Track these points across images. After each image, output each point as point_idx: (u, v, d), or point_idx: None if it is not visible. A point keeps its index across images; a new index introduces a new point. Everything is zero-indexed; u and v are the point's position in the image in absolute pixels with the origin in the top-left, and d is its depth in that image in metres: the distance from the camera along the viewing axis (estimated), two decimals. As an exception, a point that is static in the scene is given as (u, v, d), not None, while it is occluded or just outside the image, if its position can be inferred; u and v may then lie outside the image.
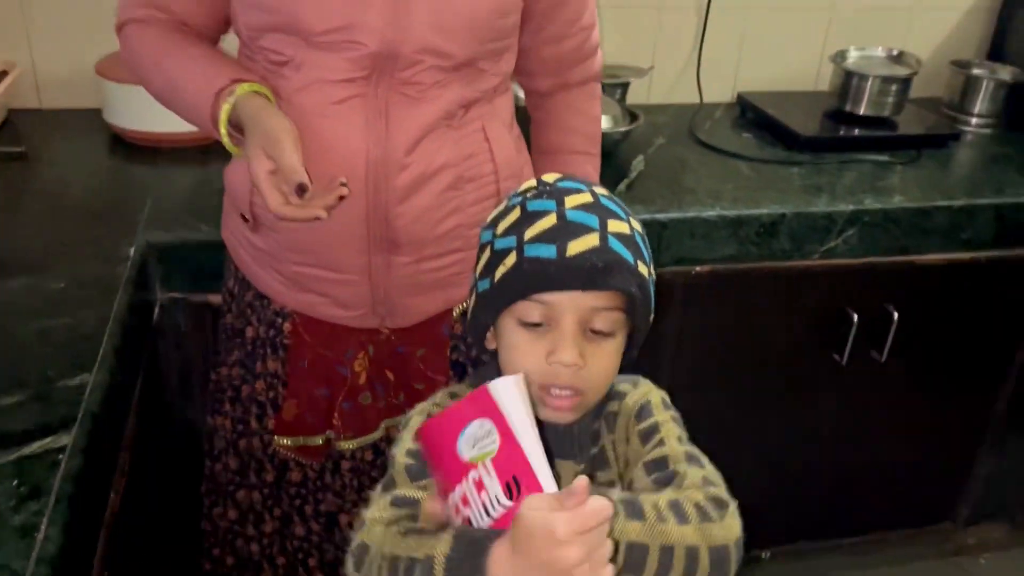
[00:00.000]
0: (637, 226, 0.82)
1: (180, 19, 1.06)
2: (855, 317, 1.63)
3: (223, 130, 0.98)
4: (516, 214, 0.80)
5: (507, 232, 0.79)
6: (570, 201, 0.78)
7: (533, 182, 0.83)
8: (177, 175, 1.54)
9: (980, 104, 1.99)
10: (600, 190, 0.82)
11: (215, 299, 1.35)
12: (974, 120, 1.99)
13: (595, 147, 1.26)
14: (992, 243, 1.66)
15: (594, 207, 0.79)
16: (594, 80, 1.25)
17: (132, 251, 1.26)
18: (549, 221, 0.77)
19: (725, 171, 1.70)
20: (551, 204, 0.78)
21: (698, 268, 1.55)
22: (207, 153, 1.60)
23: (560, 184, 0.81)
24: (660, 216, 1.50)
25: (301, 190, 0.92)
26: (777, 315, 1.65)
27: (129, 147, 1.62)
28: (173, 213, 1.38)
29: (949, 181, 1.71)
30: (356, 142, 1.00)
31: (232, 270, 1.20)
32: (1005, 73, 2.01)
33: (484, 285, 0.80)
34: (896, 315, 1.64)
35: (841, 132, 1.87)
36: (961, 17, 2.14)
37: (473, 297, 0.84)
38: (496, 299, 0.79)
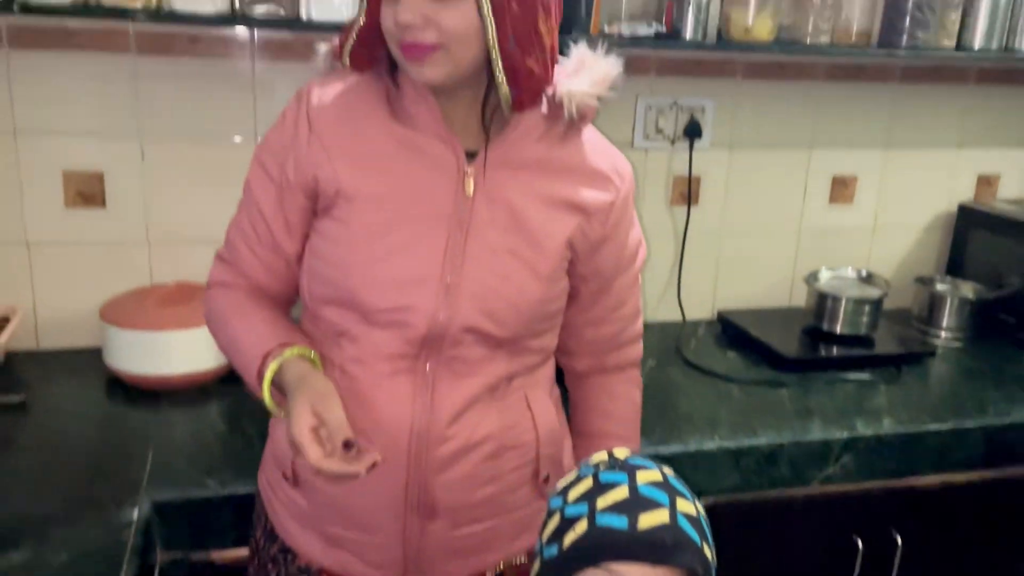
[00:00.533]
0: (700, 509, 0.86)
1: (257, 285, 1.12)
2: (860, 544, 1.62)
3: (266, 388, 1.02)
4: (588, 484, 0.84)
5: (579, 500, 0.83)
6: (641, 477, 0.83)
7: (604, 455, 0.88)
8: (179, 419, 1.53)
9: (947, 319, 2.10)
10: (667, 470, 0.87)
11: (218, 556, 1.31)
12: (943, 334, 2.09)
13: (633, 431, 1.26)
14: (983, 463, 1.69)
15: (664, 486, 0.84)
16: (632, 367, 1.26)
17: (136, 514, 1.23)
18: (621, 493, 0.81)
19: (717, 394, 1.74)
20: (623, 477, 0.83)
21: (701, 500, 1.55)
22: (207, 395, 1.60)
23: (631, 461, 0.87)
24: (663, 450, 1.52)
25: (348, 445, 0.95)
26: (784, 545, 1.64)
27: (129, 389, 1.62)
28: (176, 466, 1.37)
29: (933, 401, 1.77)
30: (402, 414, 1.04)
31: (262, 520, 1.18)
32: (967, 290, 2.13)
33: (551, 551, 0.83)
34: (900, 540, 1.64)
35: (822, 352, 1.95)
36: (920, 235, 2.30)
37: (538, 562, 0.86)
38: (564, 565, 0.81)
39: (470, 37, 0.94)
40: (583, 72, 1.05)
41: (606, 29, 1.71)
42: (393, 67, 1.04)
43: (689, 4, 1.71)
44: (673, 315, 2.12)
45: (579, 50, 1.07)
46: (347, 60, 1.04)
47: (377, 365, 1.04)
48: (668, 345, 1.98)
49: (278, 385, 1.02)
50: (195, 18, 1.54)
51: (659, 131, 2.00)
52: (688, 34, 1.74)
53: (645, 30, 1.72)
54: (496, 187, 1.03)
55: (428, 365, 1.05)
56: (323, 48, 1.08)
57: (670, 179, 2.05)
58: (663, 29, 1.75)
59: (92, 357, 1.69)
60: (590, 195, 1.07)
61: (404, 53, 0.95)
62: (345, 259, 1.03)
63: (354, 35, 1.02)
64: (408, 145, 1.03)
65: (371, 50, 1.03)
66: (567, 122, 1.05)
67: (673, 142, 2.01)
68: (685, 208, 2.06)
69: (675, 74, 1.97)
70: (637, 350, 1.25)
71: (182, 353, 1.62)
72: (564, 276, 1.10)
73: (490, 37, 0.94)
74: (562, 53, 1.06)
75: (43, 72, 1.64)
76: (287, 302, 1.16)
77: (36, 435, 1.45)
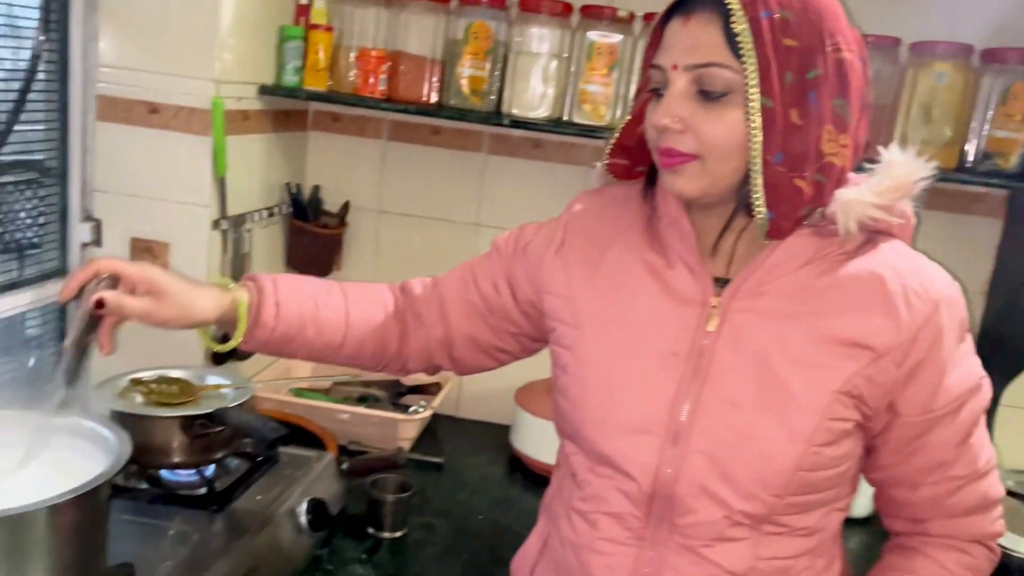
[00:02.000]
0: None
1: (436, 294, 1.10)
2: None
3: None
4: None
5: None
6: None
7: None
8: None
9: None
10: None
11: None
12: None
13: None
14: None
15: None
16: (970, 543, 0.95)
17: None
18: None
19: None
20: None
21: None
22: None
23: None
24: None
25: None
26: None
27: (527, 472, 1.71)
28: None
29: None
30: None
31: None
32: None
33: None
34: None
35: None
36: None
37: None
38: None
39: (732, 149, 0.81)
40: (874, 179, 0.85)
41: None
42: (651, 182, 0.95)
43: None
44: None
45: (888, 153, 0.86)
46: (605, 160, 0.97)
47: (600, 522, 0.92)
48: None
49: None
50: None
51: None
52: None
53: None
54: (744, 325, 0.87)
55: (656, 536, 0.90)
56: (599, 164, 0.99)
57: None
58: None
59: (500, 433, 1.83)
60: (877, 327, 0.84)
61: (659, 159, 0.86)
62: (573, 390, 0.94)
63: (616, 133, 0.95)
64: (655, 272, 0.92)
65: (634, 158, 0.96)
66: (851, 241, 0.86)
67: None
68: None
69: None
70: (982, 524, 0.94)
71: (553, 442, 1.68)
72: (843, 438, 0.87)
73: (754, 148, 0.80)
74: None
75: (508, 175, 1.85)
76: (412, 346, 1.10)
77: (448, 498, 1.59)
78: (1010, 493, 1.67)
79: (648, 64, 0.88)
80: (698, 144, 0.83)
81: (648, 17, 1.64)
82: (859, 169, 0.88)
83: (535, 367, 1.85)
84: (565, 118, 1.68)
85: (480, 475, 1.71)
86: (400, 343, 1.09)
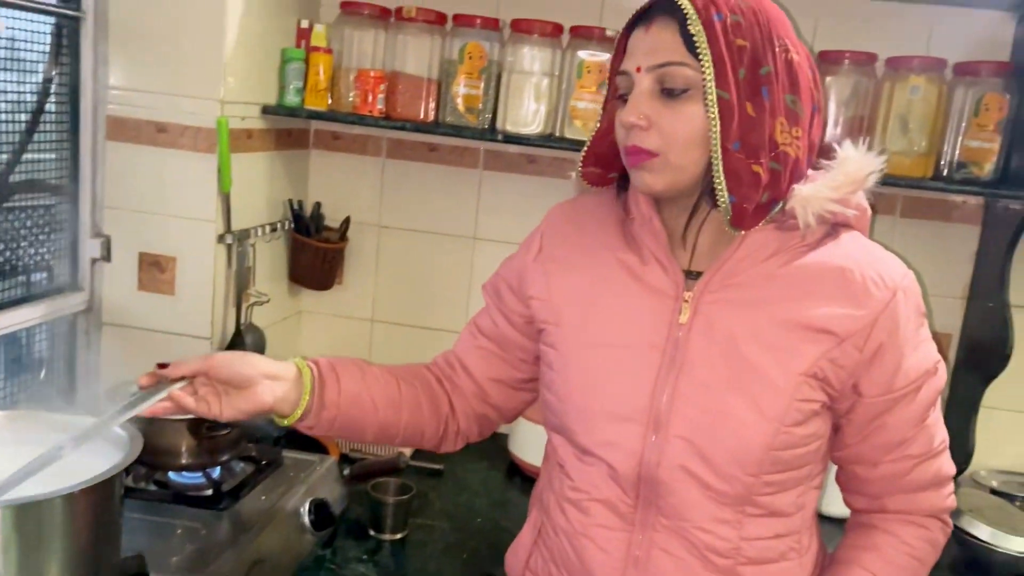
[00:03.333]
0: None
1: (461, 364, 1.13)
2: None
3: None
4: None
5: None
6: None
7: None
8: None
9: None
10: None
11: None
12: None
13: None
14: None
15: None
16: (926, 517, 1.01)
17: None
18: None
19: None
20: None
21: None
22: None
23: None
24: None
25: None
26: None
27: (524, 477, 1.76)
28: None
29: None
30: (615, 575, 0.97)
31: None
32: None
33: None
34: None
35: None
36: None
37: None
38: None
39: (693, 142, 0.88)
40: (829, 174, 0.92)
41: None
42: (623, 187, 1.01)
43: None
44: None
45: (843, 150, 0.93)
46: (578, 170, 1.02)
47: (589, 510, 0.98)
48: (1117, 559, 1.63)
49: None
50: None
51: None
52: None
53: None
54: (715, 315, 0.93)
55: (645, 519, 0.95)
56: (574, 174, 1.05)
57: None
58: None
59: (499, 440, 1.87)
60: (839, 314, 0.90)
61: (627, 158, 0.92)
62: (558, 386, 1.00)
63: (588, 140, 1.00)
64: (630, 270, 0.98)
65: (606, 166, 1.01)
66: (812, 233, 0.92)
67: None
68: None
69: None
70: (935, 499, 1.00)
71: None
72: (811, 418, 0.92)
73: (714, 137, 0.86)
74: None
75: (504, 190, 1.92)
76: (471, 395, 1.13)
77: (449, 501, 1.63)
78: (993, 491, 1.71)
79: (615, 73, 0.95)
80: (661, 140, 0.89)
81: (635, 36, 1.70)
82: (817, 168, 0.95)
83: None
84: (557, 134, 1.74)
85: (479, 479, 1.75)
86: (450, 406, 1.12)
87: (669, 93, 0.88)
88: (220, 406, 0.97)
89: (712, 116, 0.86)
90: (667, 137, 0.89)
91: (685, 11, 0.86)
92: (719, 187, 0.87)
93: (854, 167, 0.92)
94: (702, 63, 0.86)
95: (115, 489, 1.00)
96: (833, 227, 0.95)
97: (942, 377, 0.97)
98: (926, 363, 0.95)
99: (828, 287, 0.91)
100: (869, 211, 0.98)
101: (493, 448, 1.87)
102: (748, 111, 0.87)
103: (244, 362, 0.98)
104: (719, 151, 0.87)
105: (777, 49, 0.88)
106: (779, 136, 0.88)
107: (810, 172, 0.94)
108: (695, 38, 0.86)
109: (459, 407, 1.12)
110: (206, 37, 1.56)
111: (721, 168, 0.87)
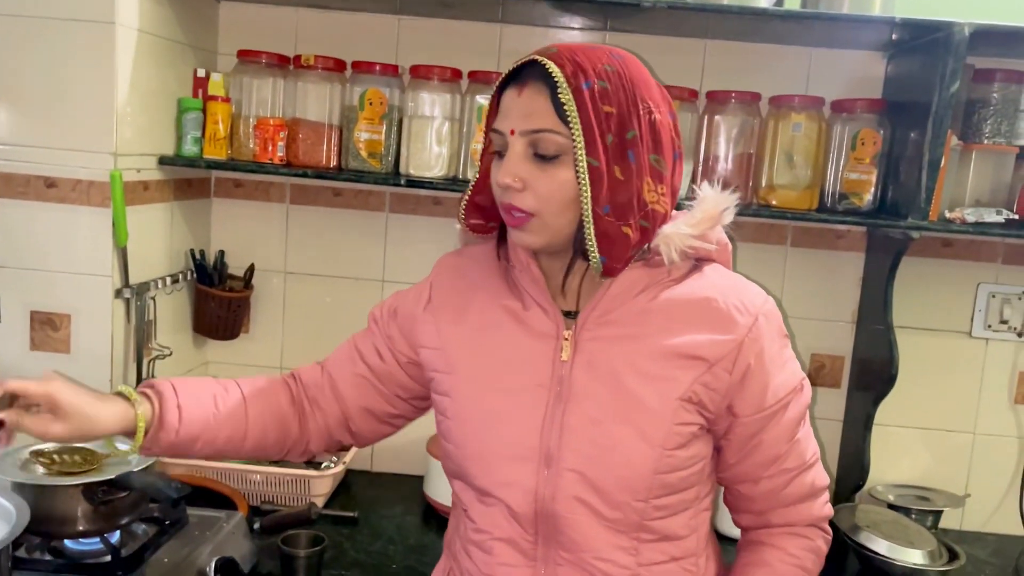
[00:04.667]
0: None
1: (327, 375, 1.15)
2: None
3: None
4: None
5: None
6: None
7: None
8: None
9: None
10: None
11: None
12: None
13: None
14: None
15: None
16: (807, 527, 1.06)
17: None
18: None
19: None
20: None
21: None
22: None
23: None
24: None
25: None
26: None
27: (440, 520, 1.75)
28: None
29: None
30: None
31: None
32: None
33: None
34: None
35: None
36: None
37: None
38: None
39: (566, 204, 0.92)
40: (690, 212, 0.99)
41: (947, 215, 1.63)
42: (503, 237, 1.05)
43: (1047, 192, 1.59)
44: (1013, 528, 1.85)
45: (702, 190, 1.00)
46: (461, 217, 1.05)
47: (492, 549, 1.00)
48: (1006, 563, 1.72)
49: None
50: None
51: (1004, 322, 1.83)
52: (1046, 222, 1.61)
53: (993, 217, 1.61)
54: (595, 351, 0.98)
55: (547, 555, 0.98)
56: (458, 226, 1.09)
57: (1015, 375, 1.85)
58: (1014, 216, 1.64)
59: (415, 483, 1.87)
60: (707, 340, 0.96)
61: (505, 216, 0.96)
62: (454, 433, 1.03)
63: (468, 191, 1.03)
64: (514, 315, 1.02)
65: (487, 216, 1.05)
66: (678, 268, 0.99)
67: (1021, 334, 1.83)
68: (1033, 408, 1.83)
69: (1026, 262, 1.82)
70: (812, 509, 1.06)
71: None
72: (691, 441, 0.98)
73: (585, 202, 0.91)
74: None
75: (411, 232, 1.93)
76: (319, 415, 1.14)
77: (363, 549, 1.61)
78: (890, 506, 1.79)
79: (489, 128, 0.98)
80: (536, 201, 0.93)
81: (532, 80, 1.75)
82: (680, 208, 1.01)
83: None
84: (460, 176, 1.77)
85: (395, 525, 1.73)
86: (300, 429, 1.13)
87: (542, 158, 0.92)
88: (57, 426, 0.96)
89: (583, 183, 0.90)
90: (541, 199, 0.93)
91: (556, 79, 0.90)
92: (591, 248, 0.92)
93: (710, 204, 0.99)
94: (572, 131, 0.90)
95: (1, 563, 0.96)
96: (697, 261, 1.01)
97: (808, 393, 1.04)
98: (792, 381, 1.01)
99: (695, 316, 0.97)
100: (729, 245, 1.05)
101: (408, 491, 1.87)
102: (616, 175, 0.91)
103: (79, 389, 0.98)
104: (590, 215, 0.91)
105: (641, 112, 0.93)
106: (647, 195, 0.93)
107: (673, 212, 0.99)
108: (565, 107, 0.90)
109: (314, 430, 1.14)
110: (96, 88, 1.53)
111: (592, 231, 0.91)
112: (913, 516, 1.75)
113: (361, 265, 1.96)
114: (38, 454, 1.30)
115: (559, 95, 0.90)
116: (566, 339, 0.98)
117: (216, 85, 1.76)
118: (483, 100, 1.72)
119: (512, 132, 0.93)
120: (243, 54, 1.77)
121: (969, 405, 1.88)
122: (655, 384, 0.96)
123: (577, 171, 0.90)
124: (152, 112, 1.67)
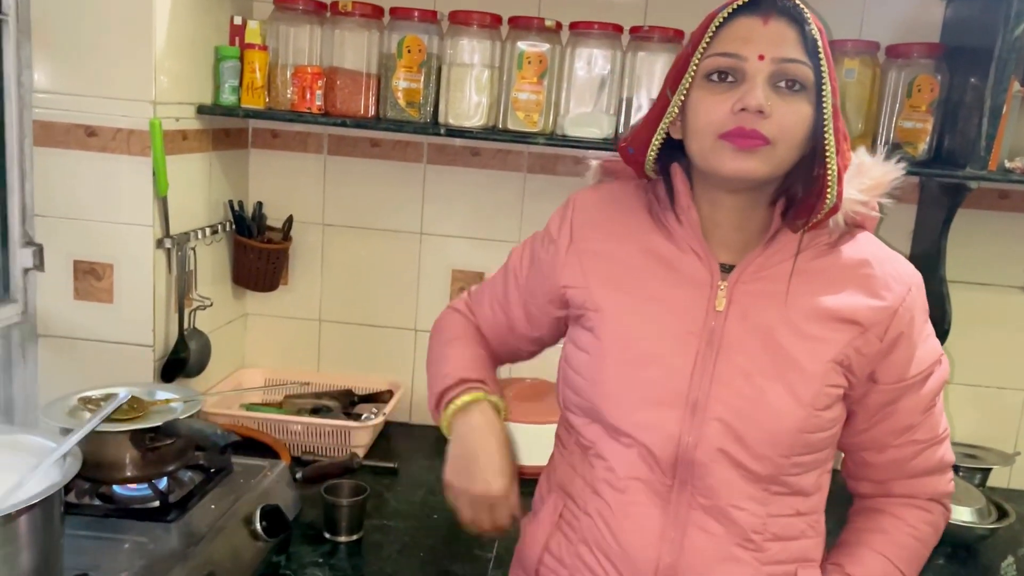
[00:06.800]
0: None
1: (484, 333, 1.19)
2: None
3: (451, 412, 1.10)
4: None
5: None
6: None
7: None
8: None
9: None
10: None
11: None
12: None
13: (904, 561, 1.05)
14: None
15: None
16: (929, 501, 1.06)
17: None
18: None
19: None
20: None
21: None
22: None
23: None
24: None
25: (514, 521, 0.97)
26: None
27: (480, 472, 1.75)
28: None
29: None
30: (648, 550, 0.99)
31: None
32: None
33: None
34: None
35: None
36: None
37: None
38: None
39: (801, 139, 0.93)
40: (856, 179, 0.99)
41: (1007, 164, 1.57)
42: (663, 174, 1.03)
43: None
44: (1062, 487, 1.82)
45: (859, 155, 1.02)
46: (651, 164, 1.03)
47: (627, 489, 1.00)
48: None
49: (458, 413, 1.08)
50: (582, 143, 1.69)
51: (1061, 276, 1.77)
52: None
53: (1054, 166, 1.55)
54: (751, 304, 0.98)
55: (680, 498, 0.98)
56: (594, 163, 1.10)
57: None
58: (1076, 165, 1.57)
59: (453, 437, 1.87)
60: (863, 305, 0.97)
61: (734, 141, 0.92)
62: (592, 369, 1.02)
63: (663, 131, 0.99)
64: (663, 259, 1.01)
65: (642, 159, 1.04)
66: (837, 232, 0.99)
67: (1078, 289, 1.77)
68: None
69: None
70: (938, 484, 1.06)
71: (531, 447, 1.72)
72: (836, 403, 0.98)
73: (828, 136, 0.92)
74: None
75: (449, 184, 1.91)
76: (496, 357, 1.21)
77: (404, 500, 1.62)
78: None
79: (703, 55, 0.94)
80: (777, 130, 0.91)
81: (575, 26, 1.70)
82: None
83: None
84: (500, 126, 1.73)
85: (435, 476, 1.72)
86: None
87: (788, 87, 0.92)
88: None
89: (827, 118, 0.91)
90: (783, 129, 0.92)
91: (806, 15, 0.92)
92: (831, 185, 0.93)
93: (879, 171, 1.00)
94: (822, 66, 0.91)
95: (55, 507, 0.97)
96: (849, 227, 1.01)
97: (946, 369, 1.04)
98: (934, 354, 1.02)
99: (852, 281, 0.98)
100: (879, 216, 1.04)
101: (446, 444, 1.86)
102: (840, 117, 0.94)
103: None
104: (834, 152, 0.92)
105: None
106: (842, 143, 0.95)
107: None
108: (819, 43, 0.91)
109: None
110: (135, 36, 1.51)
111: (836, 167, 0.93)
112: (961, 474, 1.72)
113: (399, 217, 1.94)
114: (86, 401, 1.31)
115: (809, 30, 0.91)
116: (720, 289, 0.98)
117: (253, 33, 1.73)
118: (524, 46, 1.68)
119: (761, 57, 0.91)
120: (280, 1, 1.74)
121: (1021, 362, 1.84)
122: (809, 344, 0.96)
123: (823, 105, 0.91)
124: (190, 61, 1.65)
